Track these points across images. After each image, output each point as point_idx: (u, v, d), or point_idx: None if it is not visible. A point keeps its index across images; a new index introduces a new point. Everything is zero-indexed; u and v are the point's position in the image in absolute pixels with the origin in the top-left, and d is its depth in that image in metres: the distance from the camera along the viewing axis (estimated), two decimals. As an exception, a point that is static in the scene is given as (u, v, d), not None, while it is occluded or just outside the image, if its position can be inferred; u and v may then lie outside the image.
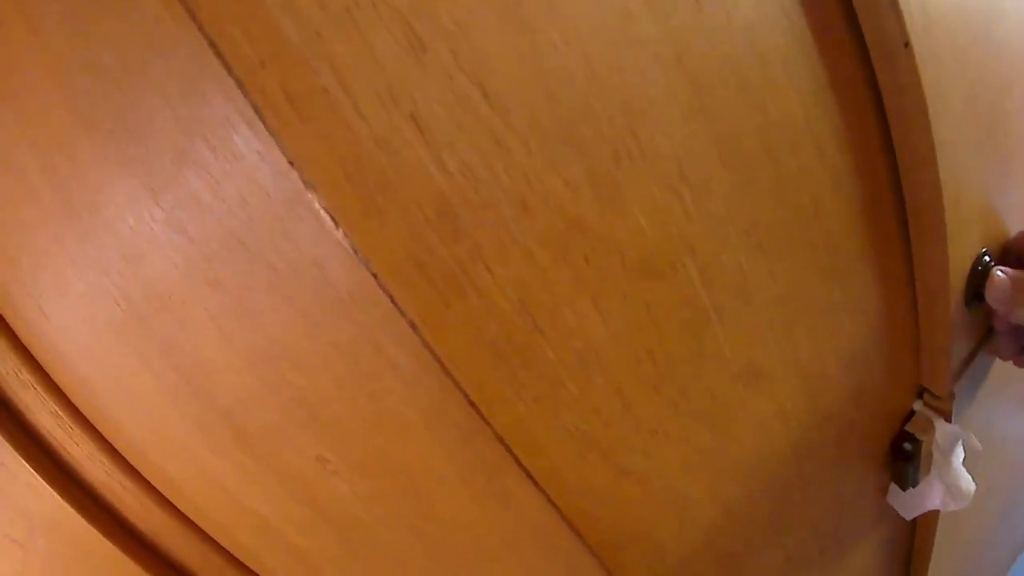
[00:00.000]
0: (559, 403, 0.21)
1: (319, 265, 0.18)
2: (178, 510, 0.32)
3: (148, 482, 0.32)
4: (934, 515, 0.42)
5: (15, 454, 0.32)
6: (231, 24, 0.17)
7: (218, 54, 0.17)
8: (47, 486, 0.32)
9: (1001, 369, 0.40)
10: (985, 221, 0.35)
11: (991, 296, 0.34)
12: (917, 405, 0.36)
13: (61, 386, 0.30)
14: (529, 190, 0.19)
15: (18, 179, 0.24)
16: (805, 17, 0.25)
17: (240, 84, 0.17)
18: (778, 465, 0.30)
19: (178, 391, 0.26)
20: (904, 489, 0.37)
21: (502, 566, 0.27)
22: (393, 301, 0.18)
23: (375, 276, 0.18)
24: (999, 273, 0.34)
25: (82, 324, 0.26)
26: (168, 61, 0.18)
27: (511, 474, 0.22)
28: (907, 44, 0.27)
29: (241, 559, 0.33)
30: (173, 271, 0.22)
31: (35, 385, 0.30)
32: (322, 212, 0.17)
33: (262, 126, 0.17)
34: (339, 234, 0.18)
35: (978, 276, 0.35)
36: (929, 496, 0.37)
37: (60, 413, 0.31)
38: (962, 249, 0.33)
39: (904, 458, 0.35)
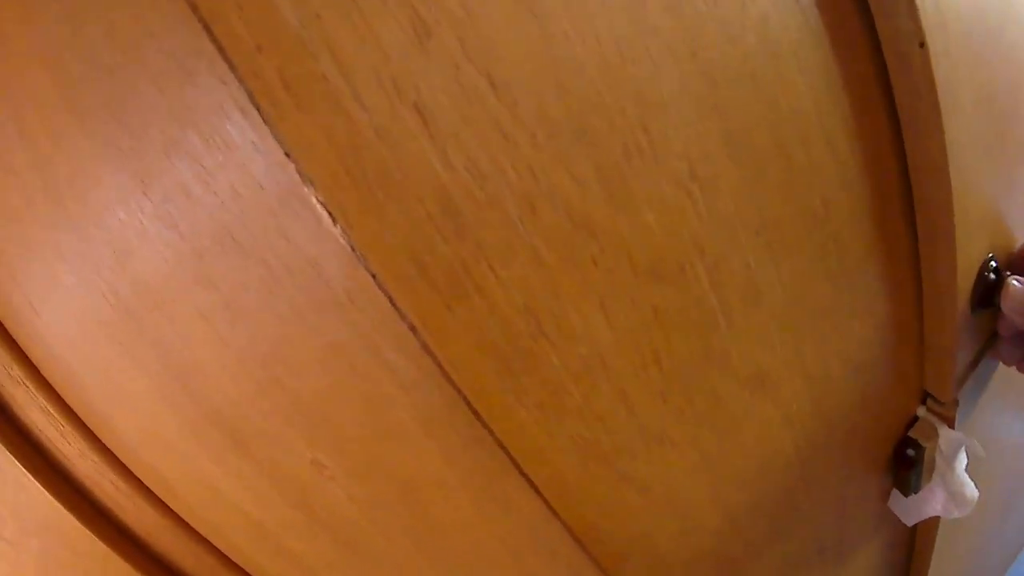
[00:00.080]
0: (562, 410, 0.20)
1: (315, 263, 0.17)
2: (171, 510, 0.31)
3: (141, 482, 0.30)
4: (934, 520, 0.41)
5: (6, 452, 0.30)
6: (226, 4, 0.16)
7: (211, 36, 0.16)
8: (38, 485, 0.30)
9: (1003, 374, 0.39)
10: (993, 225, 0.34)
11: (1007, 306, 0.33)
12: (920, 411, 0.35)
13: (52, 383, 0.29)
14: (536, 187, 0.17)
15: (5, 166, 0.23)
16: (820, 12, 0.24)
17: (234, 69, 0.16)
18: (782, 470, 0.29)
19: (169, 390, 0.24)
20: (906, 495, 0.36)
21: (501, 573, 0.26)
22: (392, 302, 0.17)
23: (374, 276, 0.16)
24: (1015, 283, 0.33)
25: (71, 319, 0.25)
26: (159, 43, 0.17)
27: (512, 481, 0.21)
28: (923, 44, 0.26)
29: (235, 560, 0.32)
30: (163, 267, 0.20)
31: (26, 382, 0.29)
32: (319, 207, 0.16)
33: (257, 114, 0.16)
34: (337, 231, 0.16)
35: (984, 281, 0.34)
36: (931, 502, 0.36)
37: (51, 410, 0.29)
38: (970, 253, 0.32)
39: (907, 464, 0.34)
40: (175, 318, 0.22)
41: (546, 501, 0.22)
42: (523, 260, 0.18)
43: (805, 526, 0.33)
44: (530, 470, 0.21)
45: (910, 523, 0.37)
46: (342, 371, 0.19)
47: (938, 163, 0.28)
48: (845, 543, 0.37)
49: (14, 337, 0.28)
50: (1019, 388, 0.45)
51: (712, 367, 0.23)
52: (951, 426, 0.35)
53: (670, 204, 0.20)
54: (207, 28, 0.16)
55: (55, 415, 0.29)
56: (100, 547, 0.32)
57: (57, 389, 0.29)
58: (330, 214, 0.16)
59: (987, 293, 0.34)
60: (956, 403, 0.35)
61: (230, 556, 0.32)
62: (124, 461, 0.30)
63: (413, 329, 0.17)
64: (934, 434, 0.34)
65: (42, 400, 0.29)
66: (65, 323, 0.26)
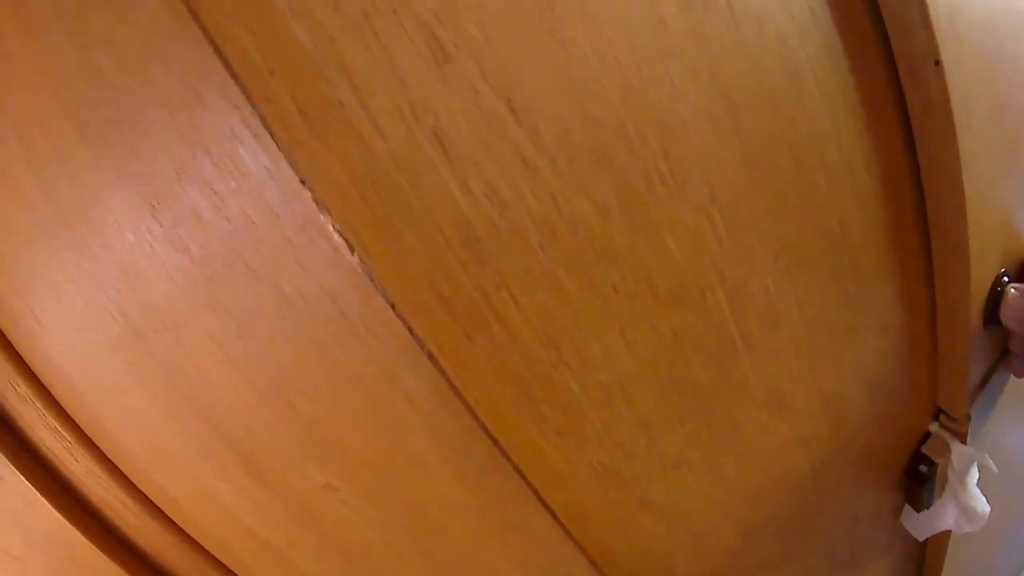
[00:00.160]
0: (582, 437, 0.19)
1: (331, 292, 0.16)
2: (177, 526, 0.30)
3: (147, 497, 0.30)
4: (945, 532, 0.40)
5: (12, 468, 0.30)
6: (237, 26, 0.15)
7: (223, 59, 0.15)
8: (44, 500, 0.30)
9: (1015, 387, 0.39)
10: (1006, 240, 0.33)
11: (1006, 315, 0.32)
12: (933, 427, 0.34)
13: (59, 399, 0.28)
14: (558, 214, 0.17)
15: (11, 186, 0.22)
16: (837, 30, 0.24)
17: (247, 93, 0.15)
18: (797, 489, 0.28)
19: (178, 410, 0.24)
20: (918, 511, 0.35)
21: (515, 595, 0.25)
22: (411, 331, 0.16)
23: (392, 305, 0.16)
24: (1013, 291, 0.33)
25: (78, 338, 0.24)
26: (168, 65, 0.16)
27: (529, 506, 0.21)
28: (938, 62, 0.25)
29: (243, 576, 0.31)
30: (174, 290, 0.20)
31: (33, 398, 0.28)
32: (335, 235, 0.15)
33: (271, 140, 0.15)
34: (354, 259, 0.16)
35: (996, 296, 0.33)
36: (943, 518, 0.35)
37: (58, 427, 0.29)
38: (983, 269, 0.31)
39: (919, 480, 0.34)
40: (185, 340, 0.21)
41: (563, 526, 0.21)
42: (544, 288, 0.17)
43: (818, 543, 0.32)
44: (548, 496, 0.20)
45: (921, 538, 0.37)
46: (358, 398, 0.19)
47: (952, 180, 0.28)
48: (857, 559, 0.37)
49: (21, 353, 0.28)
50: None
51: (730, 391, 0.22)
52: (963, 441, 0.34)
53: (690, 229, 0.19)
54: (218, 51, 0.15)
55: (62, 431, 0.29)
56: (106, 562, 0.31)
57: (64, 405, 0.28)
58: (347, 242, 0.16)
59: (998, 308, 0.33)
60: (968, 418, 0.34)
61: (237, 572, 0.31)
62: (130, 477, 0.29)
63: (432, 358, 0.17)
64: (946, 450, 0.33)
65: (49, 417, 0.28)
66: (71, 341, 0.25)
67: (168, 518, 0.30)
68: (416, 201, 0.16)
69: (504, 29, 0.16)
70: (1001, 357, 0.36)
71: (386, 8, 0.15)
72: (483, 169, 0.16)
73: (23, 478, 0.29)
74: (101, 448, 0.29)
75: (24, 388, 0.28)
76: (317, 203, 0.15)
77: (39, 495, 0.30)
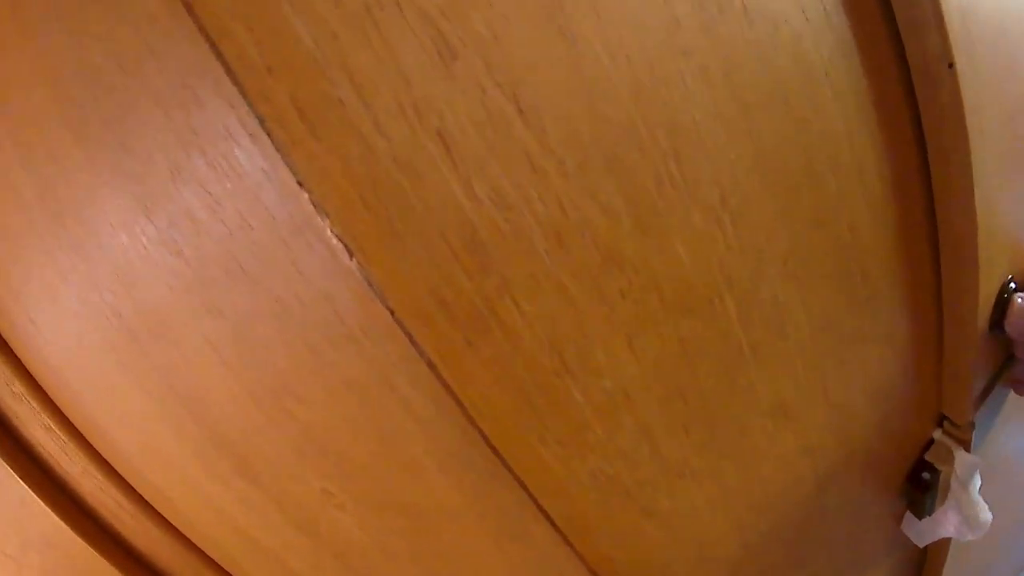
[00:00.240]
0: (584, 446, 0.19)
1: (329, 297, 0.16)
2: (172, 526, 0.30)
3: (143, 498, 0.29)
4: (946, 540, 0.40)
5: (8, 468, 0.29)
6: (235, 21, 0.14)
7: (219, 56, 0.15)
8: (40, 501, 0.29)
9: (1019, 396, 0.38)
10: (1014, 246, 0.32)
11: (1010, 323, 0.32)
12: (937, 434, 0.34)
13: (55, 399, 0.28)
14: (564, 219, 0.16)
15: (7, 186, 0.21)
16: (851, 32, 0.23)
17: (243, 92, 0.15)
18: (801, 498, 0.28)
19: (173, 412, 0.23)
20: (920, 518, 0.35)
21: (514, 602, 0.25)
22: (411, 339, 0.15)
23: (391, 311, 0.15)
24: (1020, 300, 0.32)
25: (73, 338, 0.24)
26: (163, 63, 0.16)
27: (529, 514, 0.20)
28: (951, 65, 0.25)
29: (239, 577, 0.31)
30: (168, 293, 0.19)
31: (28, 398, 0.28)
32: (334, 240, 0.15)
33: (268, 140, 0.15)
34: (353, 264, 0.15)
35: (1003, 302, 0.32)
36: (944, 524, 0.35)
37: (53, 427, 0.28)
38: (991, 275, 0.31)
39: (922, 487, 0.33)
40: (180, 343, 0.20)
41: (562, 534, 0.21)
42: (549, 295, 0.16)
43: (820, 550, 0.32)
44: (548, 505, 0.20)
45: (922, 544, 0.36)
46: (355, 405, 0.18)
47: (964, 184, 0.27)
48: (858, 564, 0.36)
49: (16, 353, 0.27)
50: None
51: (736, 399, 0.22)
52: (967, 449, 0.33)
53: (700, 234, 0.19)
54: (214, 47, 0.15)
55: (57, 432, 0.28)
56: (101, 562, 0.31)
57: (59, 405, 0.28)
58: (346, 247, 0.15)
59: (1004, 314, 0.33)
60: (973, 426, 0.33)
61: (231, 574, 0.31)
62: (126, 477, 0.29)
63: (431, 366, 0.16)
64: (950, 457, 0.33)
65: (44, 417, 0.28)
66: (66, 341, 0.24)
67: (163, 518, 0.29)
68: (418, 204, 0.15)
69: (512, 26, 0.15)
70: (1006, 364, 0.35)
71: (390, 3, 0.15)
72: (488, 171, 0.15)
73: (19, 478, 0.29)
74: (96, 448, 0.28)
75: (20, 388, 0.27)
76: (315, 205, 0.15)
77: (35, 495, 0.29)
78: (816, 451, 0.26)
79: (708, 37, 0.18)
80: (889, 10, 0.24)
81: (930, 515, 0.34)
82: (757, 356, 0.21)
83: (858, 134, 0.24)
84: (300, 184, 0.15)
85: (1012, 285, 0.33)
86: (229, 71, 0.15)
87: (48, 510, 0.29)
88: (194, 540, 0.30)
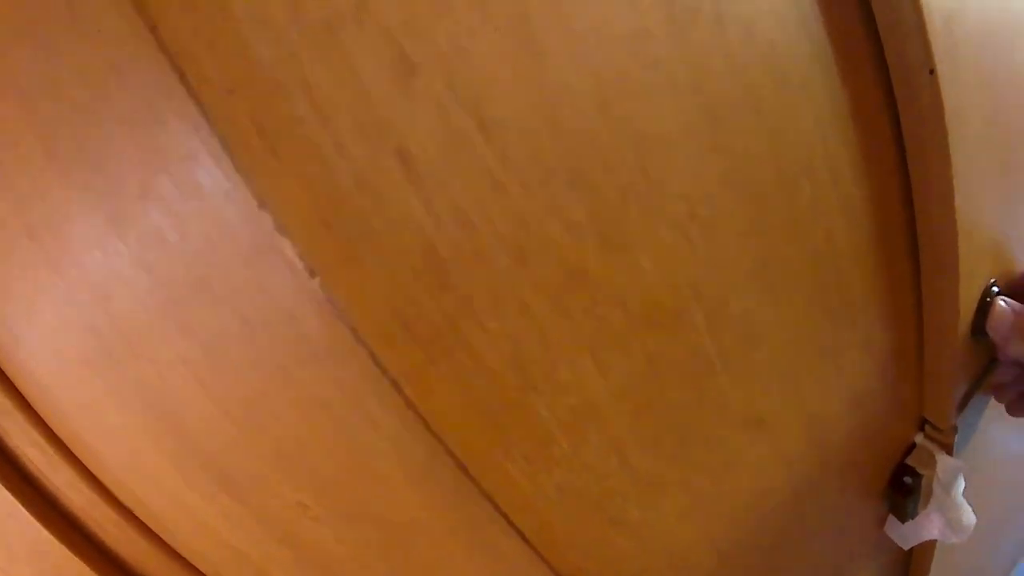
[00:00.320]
0: (551, 460, 0.19)
1: (293, 316, 0.16)
2: (158, 538, 0.30)
3: (130, 511, 0.29)
4: (931, 542, 0.40)
5: (-7, 480, 0.29)
6: (195, 41, 0.14)
7: (181, 77, 0.15)
8: (27, 513, 0.29)
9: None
10: (995, 250, 0.32)
11: (991, 327, 0.32)
12: (918, 438, 0.34)
13: (40, 412, 0.28)
14: (527, 236, 0.16)
15: (-18, 202, 0.21)
16: (829, 39, 0.23)
17: (205, 112, 0.15)
18: (777, 507, 0.27)
19: (152, 427, 0.23)
20: (903, 521, 0.34)
21: (492, 612, 0.25)
22: (374, 358, 0.15)
23: (354, 331, 0.15)
24: (1001, 303, 0.32)
25: (53, 353, 0.24)
26: (126, 80, 0.16)
27: (498, 528, 0.20)
28: (932, 71, 0.24)
29: (226, 588, 0.31)
30: (142, 311, 0.19)
31: (13, 410, 0.28)
32: (296, 260, 0.15)
33: (229, 161, 0.15)
34: (315, 284, 0.15)
35: (985, 307, 0.32)
36: (927, 527, 0.34)
37: (40, 440, 0.28)
38: (973, 279, 0.31)
39: (904, 492, 0.33)
40: (155, 360, 0.20)
41: (533, 547, 0.21)
42: (512, 313, 0.16)
43: (801, 558, 0.31)
44: (517, 519, 0.20)
45: (907, 547, 0.36)
46: (323, 422, 0.18)
47: (944, 191, 0.27)
48: (842, 569, 0.36)
49: (1, 367, 0.27)
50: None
51: (707, 412, 0.22)
52: (949, 453, 0.33)
53: (667, 247, 0.19)
54: (176, 68, 0.15)
55: (44, 444, 0.28)
56: (88, 573, 0.31)
57: (45, 419, 0.28)
58: (308, 267, 0.15)
59: (986, 318, 0.32)
60: (955, 429, 0.33)
61: (220, 583, 0.31)
62: (111, 490, 0.29)
63: (396, 384, 0.16)
64: (932, 461, 0.33)
65: (31, 430, 0.28)
66: (47, 355, 0.24)
67: (150, 530, 0.29)
68: (379, 224, 0.15)
69: (476, 42, 0.15)
70: (988, 367, 0.35)
71: (351, 19, 0.15)
72: (449, 190, 0.15)
73: (4, 490, 0.29)
74: (83, 461, 0.28)
75: (4, 399, 0.28)
76: (277, 227, 0.15)
77: (21, 508, 0.29)
78: (793, 461, 0.26)
79: (679, 47, 0.18)
80: (869, 14, 0.23)
81: (913, 519, 0.34)
82: (729, 368, 0.21)
83: (833, 143, 0.24)
84: (261, 205, 0.15)
85: (995, 289, 0.33)
86: (191, 91, 0.15)
87: (34, 521, 0.29)
88: (180, 552, 0.30)
